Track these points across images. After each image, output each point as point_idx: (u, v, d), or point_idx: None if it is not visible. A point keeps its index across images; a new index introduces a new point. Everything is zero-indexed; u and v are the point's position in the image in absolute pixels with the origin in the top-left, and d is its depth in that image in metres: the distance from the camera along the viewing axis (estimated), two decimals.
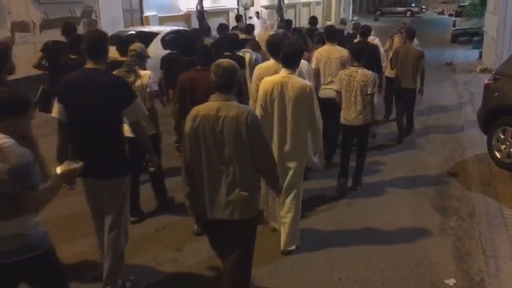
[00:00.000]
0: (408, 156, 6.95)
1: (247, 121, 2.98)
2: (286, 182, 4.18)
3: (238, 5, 20.18)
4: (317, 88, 5.80)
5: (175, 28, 12.66)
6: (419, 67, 7.28)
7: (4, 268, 2.58)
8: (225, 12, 19.44)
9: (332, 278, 3.98)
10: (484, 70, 13.01)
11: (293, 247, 4.35)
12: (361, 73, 5.30)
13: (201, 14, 16.07)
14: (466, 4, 22.26)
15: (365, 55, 5.47)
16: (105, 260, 3.60)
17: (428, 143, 7.55)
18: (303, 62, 4.79)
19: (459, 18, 21.18)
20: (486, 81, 6.71)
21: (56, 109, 3.47)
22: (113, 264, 3.57)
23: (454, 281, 3.93)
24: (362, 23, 8.63)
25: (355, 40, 7.50)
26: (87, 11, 12.80)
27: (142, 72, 4.70)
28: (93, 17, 13.03)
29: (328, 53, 6.14)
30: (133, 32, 11.73)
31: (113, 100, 3.39)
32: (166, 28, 11.98)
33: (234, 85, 3.14)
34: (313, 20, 10.44)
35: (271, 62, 4.83)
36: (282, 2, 22.33)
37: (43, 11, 11.38)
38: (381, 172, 6.31)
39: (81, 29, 12.55)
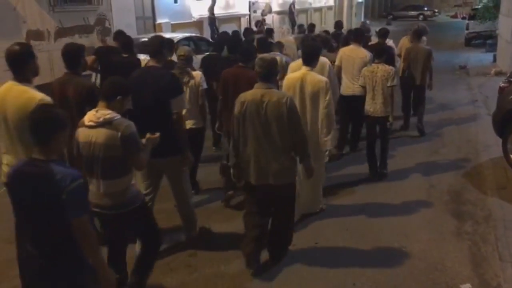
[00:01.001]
0: (423, 160, 6.89)
1: (287, 105, 3.67)
2: None
3: (250, 11, 20.26)
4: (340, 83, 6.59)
5: (187, 34, 12.76)
6: (428, 64, 7.77)
7: (109, 219, 3.30)
8: (237, 18, 19.53)
9: (346, 283, 3.95)
10: (498, 73, 12.86)
11: (317, 210, 5.07)
12: (382, 69, 5.91)
13: (213, 20, 16.18)
14: (480, 7, 22.07)
15: (385, 53, 6.18)
16: (183, 220, 4.53)
17: (443, 147, 7.48)
18: (326, 61, 5.60)
19: (472, 21, 20.99)
20: (501, 84, 6.65)
21: None
22: (188, 217, 4.50)
23: (470, 287, 3.88)
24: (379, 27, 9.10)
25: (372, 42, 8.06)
26: (100, 19, 12.96)
27: (194, 73, 5.34)
28: (107, 25, 13.19)
29: (352, 52, 6.67)
30: (146, 39, 11.95)
31: (165, 89, 4.00)
32: (178, 35, 12.07)
33: (274, 76, 3.94)
34: (338, 24, 11.01)
35: (299, 62, 5.19)
36: (293, 7, 22.37)
37: (58, 20, 11.55)
38: (395, 177, 6.26)
39: (94, 37, 12.76)
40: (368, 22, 12.87)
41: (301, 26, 11.86)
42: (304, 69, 4.71)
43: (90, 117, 3.22)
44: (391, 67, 6.01)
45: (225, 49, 7.05)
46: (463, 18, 30.01)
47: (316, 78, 4.65)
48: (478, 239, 4.65)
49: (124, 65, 5.91)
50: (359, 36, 6.98)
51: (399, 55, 8.71)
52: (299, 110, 4.10)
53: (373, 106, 5.97)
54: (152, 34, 13.27)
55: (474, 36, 20.71)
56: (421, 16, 40.13)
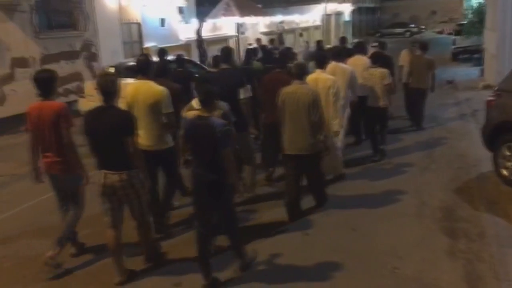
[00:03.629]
0: (413, 176, 6.79)
1: (313, 97, 5.12)
2: None
3: (237, 32, 20.38)
4: None
5: (174, 57, 12.73)
6: (431, 71, 9.27)
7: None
8: (223, 40, 19.62)
9: None
10: (486, 87, 12.89)
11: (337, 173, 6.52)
12: (379, 71, 7.44)
13: (200, 42, 16.24)
14: (465, 22, 22.35)
15: (380, 60, 7.74)
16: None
17: (433, 162, 7.39)
18: (348, 68, 6.98)
19: (458, 37, 21.22)
20: (488, 98, 6.60)
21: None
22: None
23: None
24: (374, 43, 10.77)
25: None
26: (86, 44, 12.94)
27: None
28: (93, 50, 13.16)
29: (356, 61, 7.96)
30: (134, 63, 11.90)
31: (235, 80, 5.68)
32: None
33: (306, 75, 5.43)
34: (343, 39, 12.28)
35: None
36: (281, 28, 22.64)
37: (43, 46, 11.51)
38: (386, 194, 6.15)
39: (81, 63, 12.71)
40: (355, 40, 13.57)
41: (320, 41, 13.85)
42: (318, 71, 6.13)
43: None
44: (385, 69, 7.49)
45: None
46: (449, 33, 30.34)
47: (326, 77, 6.07)
48: (472, 257, 4.52)
49: (182, 77, 7.32)
50: (359, 48, 8.49)
51: (402, 66, 9.94)
52: None
53: (374, 101, 7.44)
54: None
55: (460, 51, 20.90)
56: (408, 33, 40.71)
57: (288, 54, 8.17)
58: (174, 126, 4.98)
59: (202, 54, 15.99)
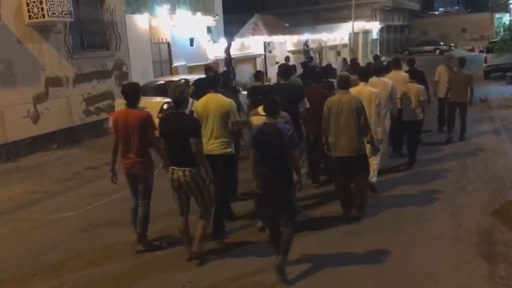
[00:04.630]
0: (449, 198, 6.57)
1: (356, 104, 5.71)
2: None
3: (265, 51, 20.51)
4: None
5: (203, 76, 12.85)
6: (470, 86, 9.68)
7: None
8: (251, 58, 19.75)
9: None
10: None
11: (373, 180, 6.77)
12: (415, 87, 8.02)
13: (229, 61, 16.37)
14: (497, 40, 21.93)
15: (416, 75, 8.47)
16: None
17: (469, 183, 7.15)
18: (390, 82, 7.50)
19: (490, 54, 20.81)
20: None
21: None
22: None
23: None
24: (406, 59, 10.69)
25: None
26: (118, 64, 13.19)
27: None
28: (124, 69, 13.41)
29: (395, 76, 8.50)
30: (163, 82, 12.07)
31: (294, 93, 6.23)
32: (194, 77, 12.16)
33: (349, 85, 5.98)
34: (376, 57, 13.84)
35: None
36: (306, 46, 22.70)
37: (76, 66, 11.78)
38: (421, 215, 5.97)
39: (112, 82, 12.96)
40: (384, 58, 14.08)
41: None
42: (362, 84, 6.70)
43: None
44: (422, 86, 8.11)
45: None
46: (480, 51, 29.82)
47: (369, 90, 6.62)
48: None
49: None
50: (396, 64, 9.10)
51: (437, 81, 10.37)
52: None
53: (408, 114, 7.95)
54: (169, 77, 13.47)
55: (493, 69, 20.48)
56: (438, 51, 40.16)
57: (330, 70, 9.64)
58: (241, 133, 5.90)
59: (230, 72, 16.11)
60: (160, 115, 10.27)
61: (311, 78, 7.81)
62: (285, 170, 4.52)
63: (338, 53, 27.09)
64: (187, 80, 11.20)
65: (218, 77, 6.09)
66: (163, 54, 15.30)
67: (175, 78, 13.01)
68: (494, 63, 20.34)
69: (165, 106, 10.37)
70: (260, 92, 6.73)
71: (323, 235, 5.57)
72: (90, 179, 8.60)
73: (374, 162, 6.72)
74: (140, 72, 13.70)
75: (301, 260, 4.91)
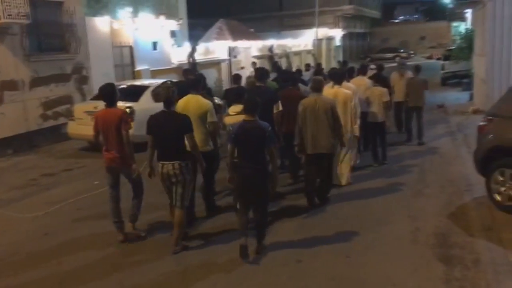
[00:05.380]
0: (407, 202, 6.73)
1: (331, 105, 6.31)
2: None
3: (230, 56, 20.49)
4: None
5: (167, 80, 12.69)
6: (425, 90, 10.38)
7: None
8: (216, 63, 19.69)
9: None
10: (476, 111, 13.01)
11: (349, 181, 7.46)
12: (379, 89, 8.55)
13: (193, 66, 16.26)
14: (454, 48, 22.68)
15: (380, 80, 9.05)
16: None
17: (426, 187, 7.34)
18: (353, 86, 8.00)
19: (447, 62, 21.51)
20: (480, 123, 6.60)
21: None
22: None
23: None
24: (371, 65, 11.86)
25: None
26: (77, 67, 12.85)
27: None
28: (84, 73, 13.09)
29: (359, 81, 8.98)
30: (125, 86, 11.82)
31: (270, 95, 6.97)
32: (158, 81, 11.98)
33: (322, 88, 6.58)
34: (344, 62, 14.55)
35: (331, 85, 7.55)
36: (271, 51, 22.86)
37: (33, 69, 11.41)
38: (380, 219, 6.08)
39: (71, 86, 12.62)
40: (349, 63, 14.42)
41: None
42: (336, 87, 7.34)
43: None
44: (385, 89, 8.69)
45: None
46: (438, 59, 30.76)
47: (345, 91, 7.25)
48: (468, 285, 4.42)
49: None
50: (364, 70, 9.57)
51: (393, 87, 10.58)
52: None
53: (374, 116, 8.44)
54: (131, 81, 13.24)
55: (450, 76, 21.16)
56: (398, 58, 41.12)
57: (297, 75, 10.46)
58: (217, 132, 6.22)
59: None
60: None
61: (288, 81, 8.31)
62: (262, 164, 5.00)
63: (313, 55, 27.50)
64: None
65: (199, 79, 6.50)
66: (125, 58, 15.02)
67: (138, 82, 12.80)
68: (451, 70, 21.03)
69: (127, 111, 10.13)
70: (236, 94, 7.05)
71: (285, 230, 5.60)
72: (46, 186, 8.32)
73: (348, 164, 7.46)
74: (101, 75, 13.35)
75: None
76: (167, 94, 5.19)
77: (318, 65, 16.29)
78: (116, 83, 12.46)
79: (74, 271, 5.05)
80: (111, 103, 5.48)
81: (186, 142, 5.25)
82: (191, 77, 6.65)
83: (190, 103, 5.88)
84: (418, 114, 10.34)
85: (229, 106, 6.97)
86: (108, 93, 5.49)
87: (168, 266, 5.07)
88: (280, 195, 6.93)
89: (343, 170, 7.45)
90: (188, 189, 5.33)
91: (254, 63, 18.97)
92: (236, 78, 9.83)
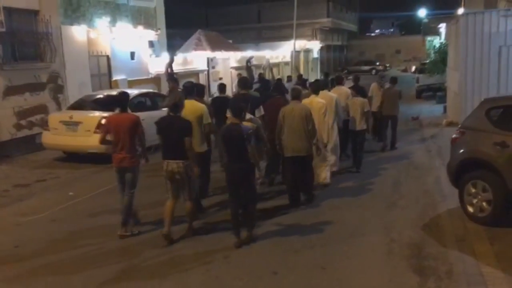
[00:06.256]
0: (382, 213, 6.80)
1: (306, 112, 6.89)
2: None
3: (208, 67, 20.48)
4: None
5: (144, 90, 12.64)
6: (399, 100, 11.22)
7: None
8: (194, 74, 19.65)
9: None
10: (449, 124, 13.30)
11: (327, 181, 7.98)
12: (360, 100, 9.21)
13: (171, 76, 16.18)
14: (428, 61, 23.19)
15: (360, 91, 9.63)
16: None
17: (401, 198, 7.44)
18: (334, 95, 8.63)
19: (421, 75, 21.97)
20: (453, 136, 6.74)
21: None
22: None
23: None
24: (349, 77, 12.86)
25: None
26: (53, 76, 12.66)
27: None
28: (59, 82, 12.89)
29: (339, 91, 9.58)
30: (101, 96, 11.69)
31: (253, 101, 7.40)
32: (134, 91, 11.89)
33: (300, 97, 7.24)
34: (326, 74, 15.88)
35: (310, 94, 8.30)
36: (249, 63, 22.91)
37: (7, 78, 11.20)
38: (353, 231, 6.12)
39: (46, 95, 12.41)
40: (322, 77, 14.76)
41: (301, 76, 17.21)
42: (312, 96, 7.99)
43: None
44: (366, 100, 9.38)
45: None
46: (413, 72, 31.43)
47: (318, 100, 7.88)
48: None
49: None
50: (339, 80, 10.29)
51: (371, 97, 11.16)
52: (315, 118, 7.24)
53: (354, 124, 9.06)
54: (108, 91, 13.08)
55: (424, 89, 21.62)
56: (374, 71, 41.83)
57: (281, 85, 11.38)
58: (213, 133, 7.05)
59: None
60: (97, 130, 9.92)
61: (267, 90, 9.26)
62: (246, 161, 5.64)
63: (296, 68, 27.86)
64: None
65: (192, 86, 7.19)
66: (102, 68, 14.86)
67: (114, 92, 12.67)
68: (425, 83, 21.49)
69: (103, 121, 9.98)
70: (222, 102, 7.93)
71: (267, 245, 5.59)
72: (19, 197, 8.13)
73: (324, 164, 7.93)
74: (77, 85, 13.23)
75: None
76: (175, 99, 5.92)
77: (299, 76, 16.78)
78: (92, 93, 12.46)
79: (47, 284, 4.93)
80: (124, 108, 6.15)
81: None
82: (188, 85, 7.27)
83: (187, 108, 6.25)
84: (392, 122, 11.10)
85: (216, 113, 7.63)
86: (122, 100, 6.23)
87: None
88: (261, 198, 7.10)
89: (320, 171, 7.90)
90: (193, 184, 5.95)
91: (239, 74, 19.06)
92: (221, 87, 9.89)
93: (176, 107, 5.85)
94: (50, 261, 5.46)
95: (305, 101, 7.58)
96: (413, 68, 32.81)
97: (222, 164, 8.00)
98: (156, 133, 5.84)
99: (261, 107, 7.64)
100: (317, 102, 7.80)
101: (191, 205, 5.96)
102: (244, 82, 8.46)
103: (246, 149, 5.57)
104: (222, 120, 7.15)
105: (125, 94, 6.40)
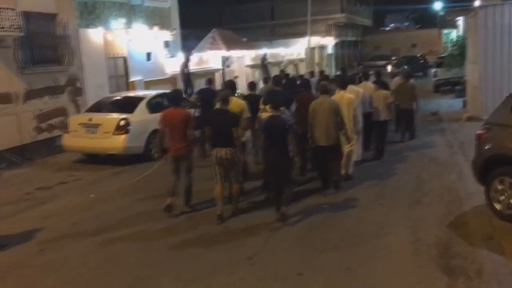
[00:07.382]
0: (406, 212, 6.70)
1: (335, 105, 7.38)
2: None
3: (223, 66, 20.49)
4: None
5: (161, 91, 12.65)
6: (415, 94, 11.59)
7: None
8: (210, 73, 19.65)
9: None
10: (470, 118, 13.07)
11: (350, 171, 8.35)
12: (383, 92, 9.99)
13: (187, 76, 16.21)
14: (445, 55, 22.84)
15: (383, 85, 10.47)
16: None
17: (425, 197, 7.32)
18: (360, 90, 9.30)
19: (439, 69, 21.63)
20: (478, 131, 6.60)
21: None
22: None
23: None
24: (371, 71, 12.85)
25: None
26: (71, 79, 12.78)
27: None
28: (78, 85, 13.01)
29: (365, 86, 10.09)
30: (119, 97, 11.77)
31: (286, 97, 8.23)
32: (152, 92, 11.94)
33: (331, 91, 7.88)
34: (343, 68, 17.23)
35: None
36: (265, 60, 22.85)
37: (27, 82, 11.32)
38: (377, 231, 6.04)
39: (65, 98, 12.54)
40: (338, 72, 15.12)
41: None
42: (341, 92, 8.39)
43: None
44: (388, 92, 10.21)
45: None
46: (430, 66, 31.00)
47: (348, 95, 8.31)
48: None
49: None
50: (367, 76, 10.83)
51: (393, 90, 11.36)
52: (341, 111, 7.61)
53: (378, 115, 9.72)
54: (125, 92, 13.16)
55: (442, 83, 21.28)
56: (389, 65, 41.39)
57: (307, 81, 11.72)
58: (249, 127, 7.84)
59: (188, 86, 15.94)
60: (116, 132, 9.98)
61: (302, 87, 9.78)
62: (286, 148, 6.32)
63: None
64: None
65: (234, 84, 8.96)
66: (119, 69, 14.95)
67: (132, 93, 12.73)
68: (443, 77, 21.16)
69: (121, 123, 10.05)
70: (254, 99, 8.72)
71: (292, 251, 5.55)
72: (42, 200, 8.21)
73: (349, 149, 8.22)
74: (95, 87, 13.33)
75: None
76: (224, 95, 6.89)
77: (321, 72, 17.69)
78: (110, 95, 12.55)
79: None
80: (176, 105, 6.99)
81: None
82: (229, 83, 8.41)
83: (231, 103, 7.06)
84: (408, 116, 11.57)
85: (202, 103, 8.92)
86: (175, 97, 7.30)
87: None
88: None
89: (344, 161, 8.23)
90: (239, 168, 6.81)
91: (236, 77, 19.27)
92: (252, 85, 10.11)
93: (226, 101, 6.73)
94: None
95: (335, 96, 8.08)
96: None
97: (256, 159, 8.82)
98: (202, 126, 6.94)
99: (294, 103, 8.23)
100: (346, 97, 8.23)
101: (237, 187, 6.77)
102: (277, 79, 9.69)
103: (286, 138, 6.25)
104: (255, 116, 7.74)
105: (177, 92, 7.40)
